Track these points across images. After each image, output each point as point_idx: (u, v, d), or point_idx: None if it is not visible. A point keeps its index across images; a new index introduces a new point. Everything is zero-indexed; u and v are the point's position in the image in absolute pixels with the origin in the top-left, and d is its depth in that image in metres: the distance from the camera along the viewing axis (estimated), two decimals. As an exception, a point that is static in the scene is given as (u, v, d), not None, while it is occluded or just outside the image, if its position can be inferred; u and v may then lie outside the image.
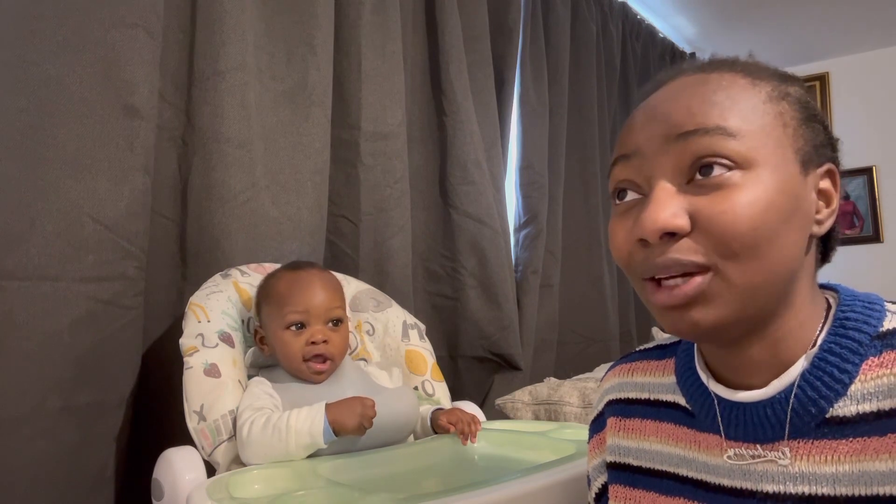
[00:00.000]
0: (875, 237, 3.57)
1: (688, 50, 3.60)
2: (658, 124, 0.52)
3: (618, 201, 0.56)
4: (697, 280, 0.49)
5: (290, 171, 1.45)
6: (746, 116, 0.51)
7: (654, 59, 3.27)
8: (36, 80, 1.05)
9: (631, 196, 0.55)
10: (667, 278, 0.51)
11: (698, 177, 0.50)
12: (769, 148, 0.50)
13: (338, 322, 1.13)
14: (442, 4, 1.88)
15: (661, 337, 2.37)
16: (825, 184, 0.54)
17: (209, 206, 1.32)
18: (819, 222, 0.54)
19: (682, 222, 0.50)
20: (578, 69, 2.60)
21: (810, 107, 0.55)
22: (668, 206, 0.50)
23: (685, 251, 0.50)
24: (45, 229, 1.04)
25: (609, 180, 0.57)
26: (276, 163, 1.44)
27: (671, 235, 0.50)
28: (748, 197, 0.49)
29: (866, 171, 3.60)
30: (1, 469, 0.99)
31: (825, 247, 0.57)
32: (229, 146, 1.33)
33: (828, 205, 0.54)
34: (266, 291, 1.14)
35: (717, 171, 0.49)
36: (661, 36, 3.38)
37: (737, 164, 0.49)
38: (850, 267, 3.62)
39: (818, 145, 0.54)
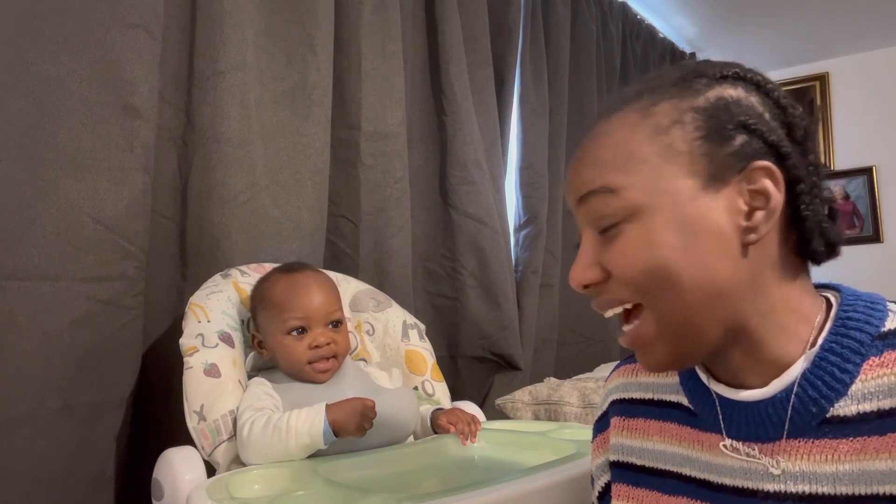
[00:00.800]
0: (875, 237, 3.57)
1: (688, 50, 3.60)
2: (570, 188, 0.59)
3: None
4: (635, 328, 0.55)
5: (290, 171, 1.45)
6: (627, 167, 0.54)
7: (654, 59, 3.27)
8: (36, 80, 1.05)
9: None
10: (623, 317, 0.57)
11: (600, 229, 0.56)
12: (653, 189, 0.53)
13: (338, 323, 1.13)
14: (442, 4, 1.88)
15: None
16: (757, 184, 0.52)
17: (209, 206, 1.32)
18: (751, 229, 0.52)
19: (594, 276, 0.56)
20: (578, 69, 2.60)
21: (722, 111, 0.54)
22: (581, 262, 0.57)
23: (611, 292, 0.56)
24: (45, 229, 1.04)
25: None
26: (276, 163, 1.44)
27: (594, 284, 0.56)
28: (634, 242, 0.53)
29: (866, 171, 3.59)
30: (1, 469, 0.99)
31: (805, 237, 0.55)
32: (229, 146, 1.33)
33: (764, 206, 0.52)
34: (262, 296, 1.14)
35: (609, 224, 0.55)
36: (661, 36, 3.37)
37: (624, 214, 0.54)
38: (850, 267, 3.62)
39: (734, 152, 0.53)
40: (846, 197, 3.64)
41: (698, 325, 0.53)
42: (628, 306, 0.55)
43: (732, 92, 0.55)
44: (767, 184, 0.52)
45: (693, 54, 3.61)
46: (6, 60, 1.03)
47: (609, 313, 0.57)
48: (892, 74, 3.58)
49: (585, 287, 0.57)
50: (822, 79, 3.75)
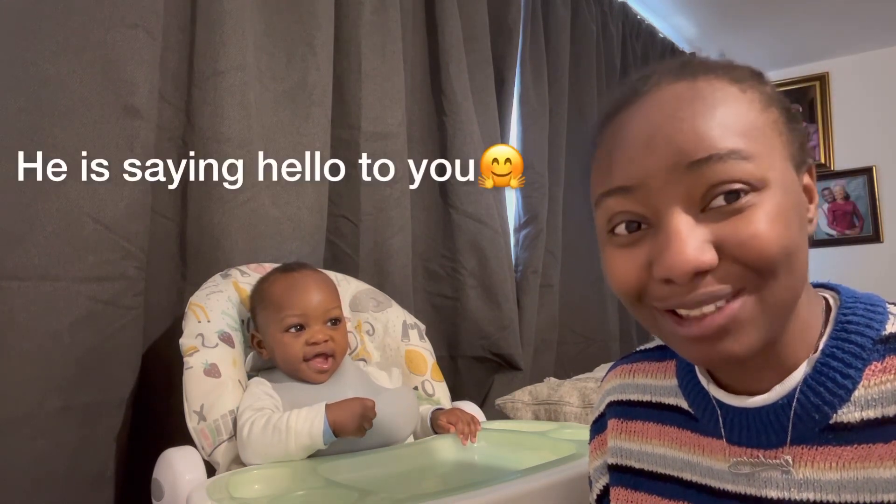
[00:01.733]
0: (875, 237, 3.57)
1: (688, 50, 3.60)
2: (662, 153, 0.48)
3: (616, 233, 0.52)
4: (732, 307, 0.47)
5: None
6: (752, 134, 0.49)
7: (654, 59, 3.27)
8: (36, 80, 1.05)
9: (630, 225, 0.51)
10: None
11: (716, 203, 0.48)
12: (775, 162, 0.49)
13: (336, 322, 1.13)
14: (442, 4, 1.88)
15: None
16: (807, 180, 0.54)
17: (209, 206, 1.32)
18: (810, 221, 0.53)
19: (711, 258, 0.47)
20: (578, 69, 2.60)
21: (788, 105, 0.54)
22: (692, 242, 0.47)
23: (717, 283, 0.47)
24: (45, 229, 1.04)
25: (598, 210, 0.53)
26: (276, 163, 1.44)
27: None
28: (770, 217, 0.47)
29: (866, 171, 3.59)
30: (1, 469, 0.99)
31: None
32: (229, 146, 1.33)
33: (811, 201, 0.54)
34: (261, 296, 1.14)
35: (732, 196, 0.47)
36: (661, 36, 3.37)
37: (753, 185, 0.47)
38: (850, 267, 3.63)
39: (801, 144, 0.53)
40: (846, 197, 3.64)
41: (791, 313, 0.51)
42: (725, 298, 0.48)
43: (775, 89, 0.55)
44: (811, 182, 0.54)
45: (693, 54, 3.61)
46: (6, 60, 1.03)
47: (698, 311, 0.48)
48: (892, 74, 3.58)
49: (696, 275, 0.47)
50: (822, 79, 3.75)
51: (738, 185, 0.47)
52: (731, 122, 0.48)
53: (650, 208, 0.49)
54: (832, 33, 3.44)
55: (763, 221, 0.47)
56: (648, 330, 0.54)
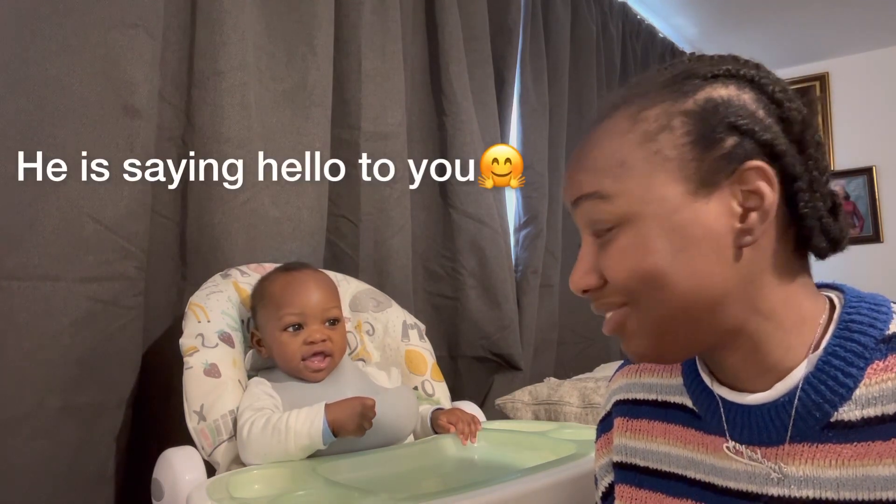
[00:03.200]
0: (875, 237, 3.57)
1: (688, 50, 3.60)
2: (565, 191, 0.59)
3: None
4: (616, 315, 0.55)
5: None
6: (618, 173, 0.54)
7: (654, 59, 3.27)
8: (36, 80, 1.05)
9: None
10: None
11: (597, 235, 0.56)
12: (643, 196, 0.53)
13: (335, 322, 1.13)
14: (442, 4, 1.88)
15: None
16: (752, 185, 0.51)
17: (209, 206, 1.32)
18: (746, 231, 0.51)
19: (591, 281, 0.56)
20: (578, 69, 2.60)
21: (709, 116, 0.52)
22: (580, 267, 0.57)
23: (606, 297, 0.56)
24: (45, 229, 1.04)
25: None
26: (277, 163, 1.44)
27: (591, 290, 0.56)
28: (626, 248, 0.53)
29: (866, 171, 3.59)
30: (1, 469, 0.99)
31: (804, 234, 0.54)
32: (229, 146, 1.33)
33: (757, 207, 0.51)
34: (261, 294, 1.14)
35: (603, 229, 0.55)
36: (661, 36, 3.37)
37: (615, 220, 0.54)
38: (850, 267, 3.61)
39: (724, 154, 0.52)
40: (846, 197, 3.64)
41: (682, 328, 0.53)
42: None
43: (723, 91, 0.54)
44: (761, 184, 0.51)
45: (693, 54, 3.60)
46: (6, 60, 1.03)
47: (607, 316, 0.57)
48: (892, 74, 3.58)
49: (584, 292, 0.57)
50: (822, 79, 3.75)
51: (602, 220, 0.55)
52: (599, 164, 0.56)
53: (580, 231, 0.59)
54: (832, 33, 3.44)
55: (616, 254, 0.54)
56: None
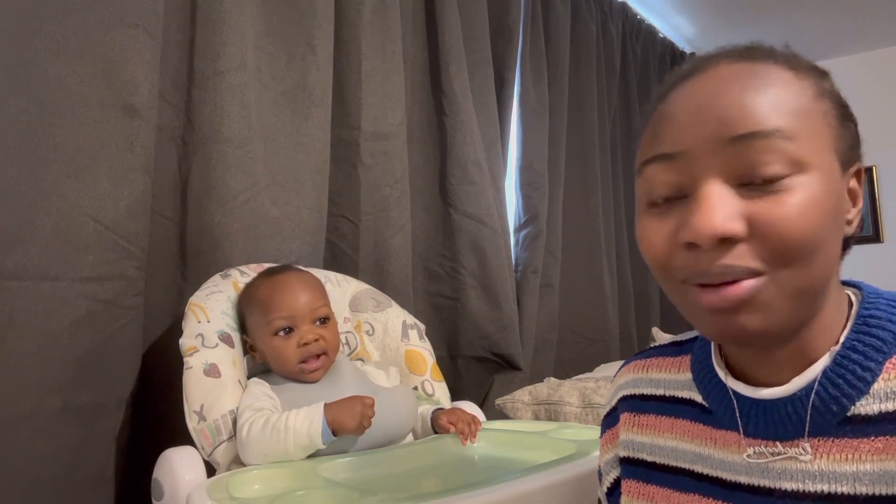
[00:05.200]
0: (875, 237, 3.57)
1: (688, 50, 3.60)
2: (709, 124, 0.49)
3: (653, 200, 0.53)
4: (750, 283, 0.48)
5: (290, 171, 1.46)
6: (800, 117, 0.49)
7: (654, 59, 3.27)
8: (36, 80, 1.05)
9: (668, 192, 0.52)
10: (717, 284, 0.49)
11: (754, 179, 0.48)
12: (819, 149, 0.49)
13: (325, 320, 1.12)
14: (442, 4, 1.88)
15: (661, 337, 2.36)
16: (853, 183, 0.54)
17: (209, 206, 1.32)
18: (849, 222, 0.53)
19: (739, 227, 0.47)
20: (578, 69, 2.60)
21: (845, 104, 0.54)
22: (723, 210, 0.48)
23: (739, 257, 0.48)
24: (45, 229, 1.04)
25: (639, 179, 0.54)
26: (276, 163, 1.44)
27: (725, 241, 0.48)
28: (804, 202, 0.47)
29: (866, 171, 3.60)
30: (1, 469, 0.99)
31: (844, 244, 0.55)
32: (229, 146, 1.33)
33: (855, 204, 0.54)
34: (247, 301, 1.14)
35: (773, 174, 0.48)
36: (661, 36, 3.38)
37: (793, 167, 0.48)
38: (850, 267, 3.60)
39: (852, 144, 0.53)
40: (846, 197, 3.64)
41: (811, 303, 0.50)
42: (746, 276, 0.48)
43: (836, 87, 0.55)
44: (858, 185, 0.53)
45: (693, 54, 3.61)
46: (6, 60, 1.03)
47: (736, 284, 0.48)
48: (892, 74, 3.59)
49: (720, 241, 0.48)
50: (822, 79, 3.75)
51: (778, 165, 0.47)
52: (780, 101, 0.49)
53: (689, 177, 0.50)
54: (832, 33, 3.44)
55: (796, 205, 0.47)
56: (676, 307, 0.54)
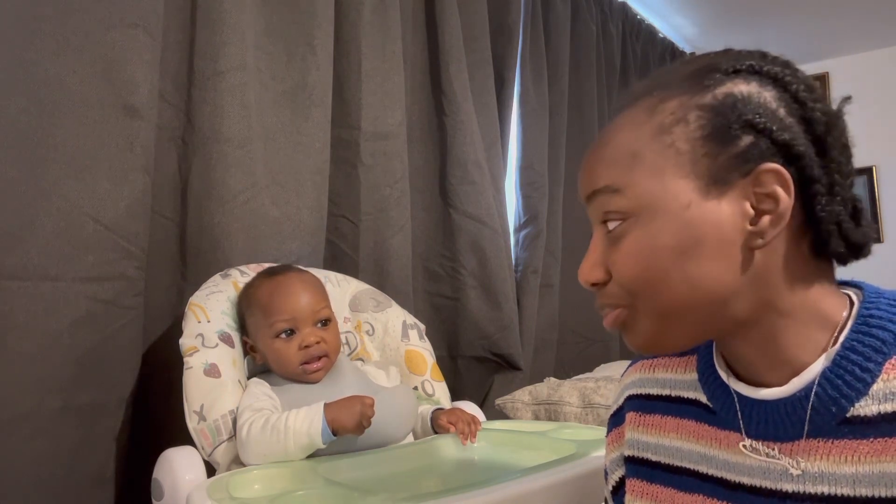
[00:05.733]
0: (875, 237, 3.57)
1: (688, 50, 3.60)
2: (580, 185, 0.58)
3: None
4: (615, 313, 0.56)
5: (290, 171, 1.45)
6: (630, 165, 0.53)
7: (654, 59, 3.27)
8: (36, 80, 1.05)
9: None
10: None
11: (608, 228, 0.55)
12: (654, 190, 0.52)
13: (326, 322, 1.12)
14: (442, 4, 1.88)
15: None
16: (767, 188, 0.50)
17: (209, 206, 1.32)
18: (757, 234, 0.50)
19: (597, 276, 0.56)
20: (578, 69, 2.60)
21: (727, 111, 0.51)
22: (591, 259, 0.56)
23: (606, 296, 0.56)
24: (45, 229, 1.04)
25: None
26: (276, 163, 1.44)
27: (597, 283, 0.56)
28: (633, 246, 0.53)
29: (866, 171, 3.59)
30: (1, 469, 0.99)
31: (821, 238, 0.53)
32: (229, 146, 1.33)
33: (773, 210, 0.50)
34: (248, 302, 1.13)
35: (613, 224, 0.54)
36: (661, 36, 3.37)
37: (624, 214, 0.53)
38: (849, 267, 3.61)
39: (739, 153, 0.50)
40: (846, 197, 3.64)
41: (684, 322, 0.54)
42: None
43: (744, 87, 0.52)
44: (776, 188, 0.50)
45: (693, 54, 3.61)
46: (6, 60, 1.03)
47: (607, 313, 0.57)
48: (892, 74, 3.58)
49: (592, 285, 0.57)
50: (822, 79, 3.75)
51: (612, 215, 0.54)
52: (612, 156, 0.55)
53: (593, 225, 0.58)
54: (832, 33, 3.44)
55: (625, 250, 0.54)
56: None
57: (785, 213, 0.50)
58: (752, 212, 0.51)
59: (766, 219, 0.50)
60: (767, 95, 0.52)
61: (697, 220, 0.51)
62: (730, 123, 0.51)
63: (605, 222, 0.55)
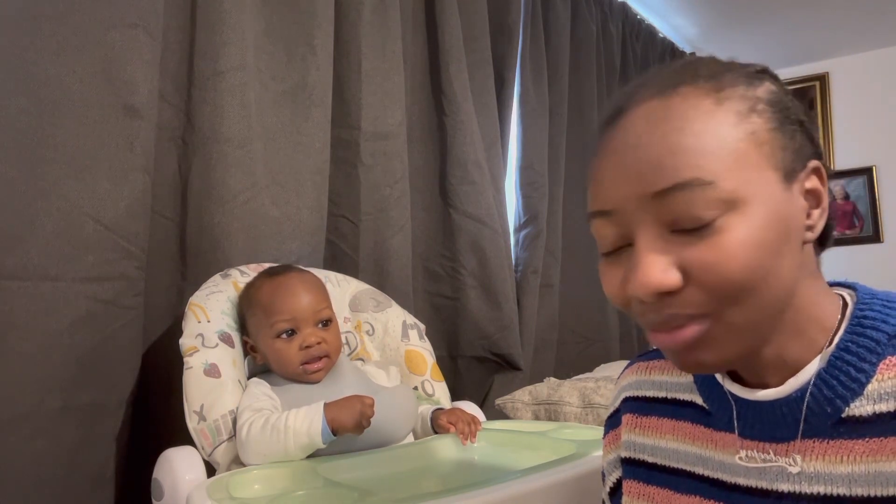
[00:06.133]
0: (875, 237, 3.57)
1: (688, 50, 3.60)
2: (630, 182, 0.49)
3: (603, 250, 0.54)
4: (696, 327, 0.49)
5: (290, 171, 1.46)
6: (719, 154, 0.48)
7: (654, 59, 3.27)
8: (36, 80, 1.05)
9: (614, 241, 0.53)
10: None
11: (685, 226, 0.48)
12: (749, 179, 0.48)
13: (327, 322, 1.12)
14: (442, 4, 1.88)
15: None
16: (812, 183, 0.52)
17: (209, 206, 1.32)
18: (810, 227, 0.52)
19: (673, 280, 0.48)
20: (578, 69, 2.60)
21: (782, 105, 0.51)
22: (656, 266, 0.48)
23: (681, 305, 0.49)
24: (45, 229, 1.04)
25: (590, 226, 0.55)
26: (276, 163, 1.44)
27: (665, 293, 0.48)
28: (736, 241, 0.47)
29: (866, 171, 3.59)
30: (1, 469, 0.99)
31: (821, 235, 0.54)
32: (229, 146, 1.33)
33: (817, 205, 0.52)
34: (248, 302, 1.13)
35: (701, 220, 0.47)
36: (661, 36, 3.37)
37: (720, 208, 0.47)
38: (850, 267, 3.62)
39: (798, 148, 0.51)
40: (846, 197, 3.64)
41: (769, 327, 0.51)
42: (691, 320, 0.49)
43: (776, 87, 0.52)
44: (819, 183, 0.52)
45: (693, 54, 3.61)
46: (6, 60, 1.03)
47: (679, 330, 0.50)
48: (892, 74, 3.58)
49: (660, 295, 0.48)
50: (822, 79, 3.75)
51: (703, 211, 0.47)
52: (695, 144, 0.48)
53: (627, 230, 0.51)
54: (832, 33, 3.44)
55: (729, 247, 0.47)
56: None
57: (826, 208, 0.52)
58: (806, 205, 0.52)
59: (815, 213, 0.52)
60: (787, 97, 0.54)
61: (785, 213, 0.49)
62: (788, 119, 0.52)
63: (682, 222, 0.48)
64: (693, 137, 0.48)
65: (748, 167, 0.48)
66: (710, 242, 0.47)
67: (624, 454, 0.67)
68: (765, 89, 0.52)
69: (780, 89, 0.53)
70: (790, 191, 0.50)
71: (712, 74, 0.51)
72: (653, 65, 3.23)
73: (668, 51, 3.43)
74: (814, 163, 0.52)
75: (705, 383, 0.60)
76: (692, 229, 0.48)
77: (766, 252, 0.47)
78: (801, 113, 0.53)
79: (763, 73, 0.54)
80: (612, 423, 0.70)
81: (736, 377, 0.57)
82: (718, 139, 0.48)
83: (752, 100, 0.50)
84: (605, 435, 0.72)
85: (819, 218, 0.52)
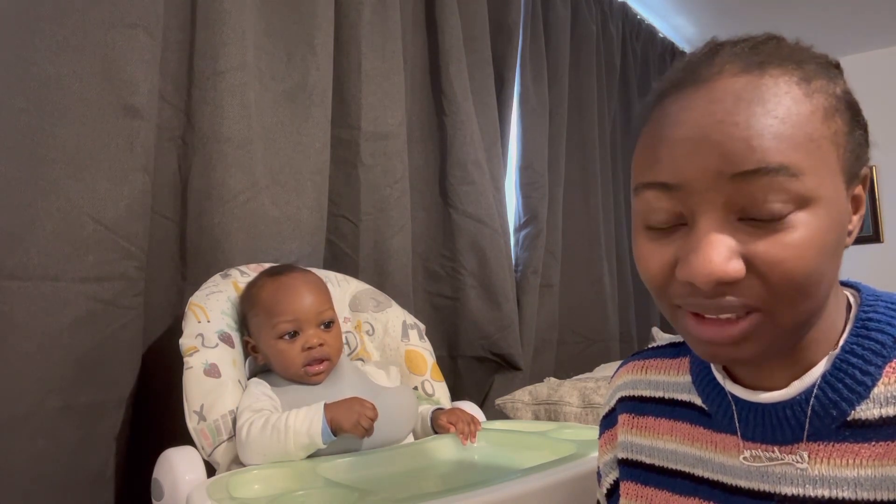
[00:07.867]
0: (875, 237, 3.57)
1: (688, 50, 3.60)
2: (710, 157, 0.46)
3: (651, 225, 0.50)
4: (747, 321, 0.47)
5: (290, 171, 1.46)
6: (808, 148, 0.46)
7: (654, 59, 3.27)
8: (36, 80, 1.05)
9: (666, 219, 0.50)
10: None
11: (756, 215, 0.46)
12: (825, 181, 0.46)
13: (329, 324, 1.12)
14: (442, 4, 1.88)
15: (661, 337, 2.36)
16: (859, 189, 0.51)
17: (209, 206, 1.32)
18: (850, 233, 0.51)
19: (737, 269, 0.46)
20: (578, 69, 2.60)
21: (855, 109, 0.50)
22: (722, 252, 0.46)
23: (738, 295, 0.46)
24: (45, 229, 1.04)
25: (636, 198, 0.51)
26: (276, 163, 1.44)
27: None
28: (806, 241, 0.45)
29: (866, 171, 3.59)
30: (1, 469, 0.99)
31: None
32: (229, 146, 1.33)
33: (857, 211, 0.52)
34: (251, 302, 1.13)
35: (776, 212, 0.45)
36: (661, 36, 3.38)
37: (796, 204, 0.45)
38: (850, 267, 3.61)
39: (860, 152, 0.50)
40: (846, 197, 3.64)
41: (803, 333, 0.50)
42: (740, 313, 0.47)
43: (848, 88, 0.51)
44: (862, 190, 0.51)
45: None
46: (6, 60, 1.03)
47: (715, 316, 0.48)
48: (892, 74, 3.58)
49: (720, 284, 0.46)
50: (822, 79, 3.75)
51: (780, 203, 0.45)
52: (787, 131, 0.45)
53: (688, 208, 0.48)
54: (832, 33, 3.44)
55: (798, 245, 0.45)
56: (668, 321, 0.53)
57: (863, 215, 0.52)
58: (851, 211, 0.51)
59: (855, 218, 0.51)
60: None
61: (842, 217, 0.49)
62: (858, 124, 0.51)
63: (754, 210, 0.46)
64: (785, 126, 0.46)
65: (826, 167, 0.47)
66: (779, 238, 0.45)
67: (621, 455, 0.66)
68: (842, 87, 0.50)
69: (849, 89, 0.51)
70: (846, 195, 0.50)
71: (797, 60, 0.49)
72: (653, 65, 3.24)
73: (668, 51, 3.43)
74: (865, 169, 0.52)
75: (704, 384, 0.59)
76: (762, 220, 0.46)
77: (826, 256, 0.46)
78: (863, 117, 0.52)
79: (838, 69, 0.52)
80: (608, 422, 0.70)
81: (737, 378, 0.56)
82: (808, 133, 0.46)
83: (834, 98, 0.49)
84: (600, 435, 0.71)
85: (857, 223, 0.52)
